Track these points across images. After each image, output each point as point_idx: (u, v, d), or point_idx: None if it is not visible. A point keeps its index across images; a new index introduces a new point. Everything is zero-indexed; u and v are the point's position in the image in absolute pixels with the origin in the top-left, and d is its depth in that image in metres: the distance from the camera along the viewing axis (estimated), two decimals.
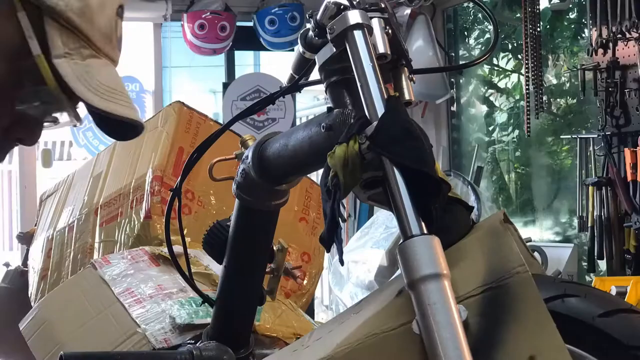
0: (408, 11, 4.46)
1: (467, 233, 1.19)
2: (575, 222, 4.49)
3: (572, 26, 5.38)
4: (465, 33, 5.96)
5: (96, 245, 2.55)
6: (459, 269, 1.13)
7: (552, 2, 4.63)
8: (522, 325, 1.07)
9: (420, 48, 4.56)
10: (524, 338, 1.07)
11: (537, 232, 5.35)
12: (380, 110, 1.18)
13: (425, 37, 4.58)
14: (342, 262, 1.21)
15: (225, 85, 5.35)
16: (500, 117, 5.93)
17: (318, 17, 1.31)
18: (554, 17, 5.35)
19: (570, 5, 5.15)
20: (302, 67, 1.44)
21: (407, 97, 1.27)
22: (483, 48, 5.78)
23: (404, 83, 1.28)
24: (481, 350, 1.07)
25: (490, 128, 5.92)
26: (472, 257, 1.13)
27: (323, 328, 1.28)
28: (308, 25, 1.35)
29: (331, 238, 1.20)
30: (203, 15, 5.14)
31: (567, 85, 5.51)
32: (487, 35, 5.74)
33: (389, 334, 1.11)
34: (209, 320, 1.69)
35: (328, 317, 4.96)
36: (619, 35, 3.97)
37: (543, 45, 4.60)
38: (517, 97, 5.68)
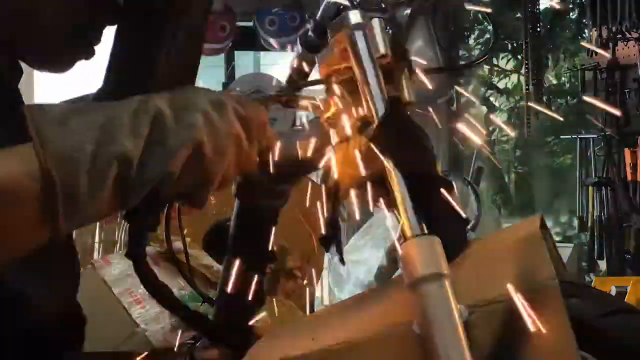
0: (408, 11, 4.45)
1: (463, 249, 1.18)
2: (575, 222, 4.50)
3: (572, 26, 5.38)
4: (465, 33, 5.96)
5: (96, 245, 2.55)
6: (489, 272, 1.12)
7: (552, 3, 4.63)
8: (543, 338, 1.07)
9: (420, 48, 4.56)
10: (543, 351, 1.07)
11: None
12: (380, 110, 1.18)
13: (425, 37, 4.58)
14: (342, 262, 1.21)
15: (225, 86, 5.35)
16: (500, 117, 5.93)
17: (318, 17, 1.31)
18: (556, 18, 5.35)
19: (571, 5, 5.14)
20: (302, 68, 1.43)
21: (407, 97, 1.27)
22: (483, 48, 5.78)
23: (404, 83, 1.28)
24: (499, 356, 1.07)
25: (490, 128, 5.92)
26: (502, 262, 1.13)
27: (340, 309, 1.27)
28: (308, 26, 1.35)
29: (331, 238, 1.20)
30: None
31: (567, 85, 5.52)
32: (487, 35, 5.74)
33: (390, 333, 1.11)
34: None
35: None
36: (619, 35, 3.97)
37: (543, 45, 4.61)
38: (517, 97, 5.68)
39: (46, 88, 5.34)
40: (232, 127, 1.02)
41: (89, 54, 1.23)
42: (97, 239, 2.56)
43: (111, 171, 0.93)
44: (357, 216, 1.18)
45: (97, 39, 1.23)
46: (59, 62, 1.22)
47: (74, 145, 0.91)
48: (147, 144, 0.95)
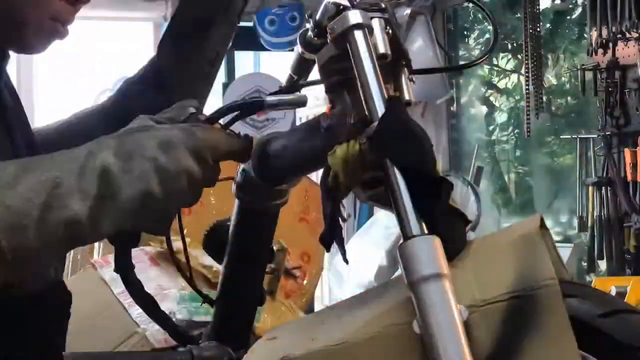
0: (408, 11, 4.46)
1: (462, 249, 1.18)
2: (575, 222, 4.50)
3: (576, 29, 5.38)
4: (465, 33, 5.96)
5: (96, 245, 2.55)
6: (488, 272, 1.12)
7: (554, 2, 4.63)
8: (543, 338, 1.07)
9: (420, 48, 4.56)
10: (543, 352, 1.07)
11: None
12: (380, 110, 1.18)
13: (425, 37, 4.58)
14: (346, 261, 1.21)
15: (225, 85, 5.35)
16: (500, 117, 5.94)
17: (318, 17, 1.31)
18: (556, 18, 5.36)
19: (571, 6, 5.15)
20: (301, 68, 1.43)
21: (407, 97, 1.27)
22: (483, 48, 5.78)
23: (404, 83, 1.28)
24: (499, 356, 1.07)
25: (490, 128, 5.92)
26: (502, 261, 1.13)
27: (340, 309, 1.27)
28: (307, 26, 1.35)
29: (331, 238, 1.20)
30: None
31: (567, 85, 5.52)
32: (487, 35, 5.74)
33: (389, 333, 1.11)
34: (209, 318, 1.69)
35: None
36: (619, 35, 3.97)
37: (543, 45, 4.61)
38: (517, 97, 5.68)
39: (46, 87, 5.34)
40: (181, 165, 1.03)
41: (63, 34, 1.25)
42: None
43: (61, 234, 0.96)
44: (356, 215, 1.19)
45: (71, 20, 1.25)
46: (35, 44, 1.24)
47: (19, 212, 0.94)
48: (96, 204, 0.98)
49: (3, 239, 0.93)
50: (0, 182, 0.95)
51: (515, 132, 5.72)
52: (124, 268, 1.23)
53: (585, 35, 4.49)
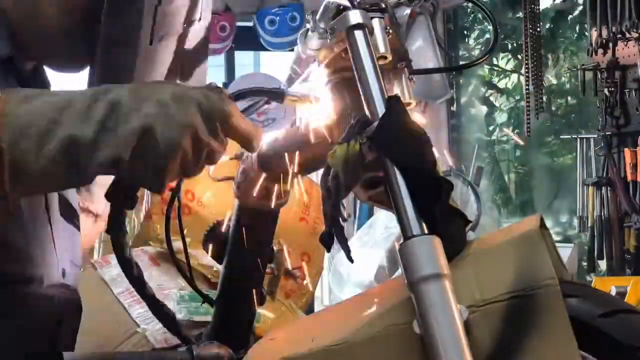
0: (408, 11, 4.45)
1: (462, 249, 1.18)
2: (575, 222, 4.50)
3: (577, 27, 5.38)
4: (465, 33, 5.96)
5: (96, 245, 2.55)
6: (488, 272, 1.12)
7: (554, 2, 4.63)
8: (543, 338, 1.07)
9: (420, 48, 4.56)
10: (543, 351, 1.07)
11: None
12: (380, 110, 1.18)
13: (425, 37, 4.57)
14: (351, 260, 1.21)
15: (225, 85, 5.35)
16: (500, 117, 5.94)
17: (317, 17, 1.31)
18: (557, 18, 5.36)
19: (571, 6, 5.15)
20: (301, 68, 1.43)
21: (407, 97, 1.27)
22: (483, 48, 5.78)
23: (404, 83, 1.28)
24: (499, 356, 1.07)
25: (490, 128, 5.92)
26: (503, 261, 1.13)
27: (341, 309, 1.27)
28: (308, 26, 1.35)
29: (331, 238, 1.20)
30: None
31: (567, 85, 5.52)
32: (487, 35, 5.74)
33: (389, 333, 1.11)
34: (209, 318, 1.69)
35: None
36: (619, 35, 3.97)
37: (543, 45, 4.61)
38: (517, 97, 5.68)
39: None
40: (188, 118, 1.04)
41: None
42: (96, 239, 2.56)
43: (58, 150, 0.99)
44: (356, 215, 1.19)
45: None
46: (74, 61, 1.26)
47: (26, 121, 0.98)
48: (99, 129, 1.00)
49: (4, 141, 0.97)
50: (19, 97, 1.00)
51: (515, 132, 5.72)
52: (117, 230, 1.24)
53: (586, 35, 4.49)
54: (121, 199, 1.19)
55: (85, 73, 1.25)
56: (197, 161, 1.06)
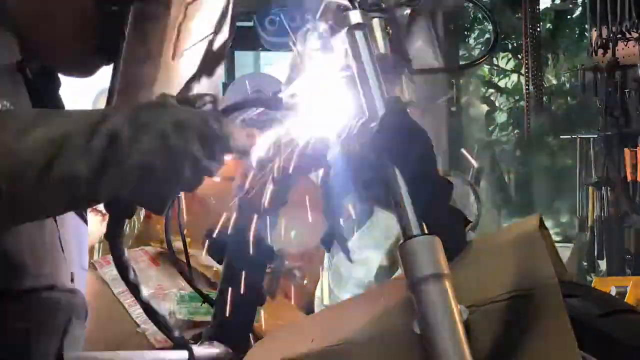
0: (408, 11, 4.46)
1: (462, 249, 1.18)
2: (575, 222, 4.50)
3: (576, 29, 5.38)
4: (465, 33, 5.96)
5: (96, 245, 2.55)
6: (488, 272, 1.12)
7: (554, 2, 4.63)
8: (543, 338, 1.07)
9: (420, 48, 4.56)
10: (543, 351, 1.07)
11: None
12: (380, 110, 1.18)
13: (425, 37, 4.58)
14: (350, 260, 1.21)
15: (225, 86, 5.34)
16: (500, 117, 5.94)
17: (317, 17, 1.31)
18: (556, 18, 5.36)
19: (571, 6, 5.15)
20: (301, 68, 1.43)
21: (407, 97, 1.27)
22: (483, 48, 5.78)
23: (404, 83, 1.28)
24: (498, 356, 1.07)
25: (490, 128, 5.92)
26: (502, 261, 1.13)
27: (340, 309, 1.27)
28: (308, 26, 1.35)
29: (331, 238, 1.20)
30: None
31: (567, 85, 5.52)
32: (487, 35, 5.74)
33: (390, 333, 1.11)
34: (208, 318, 1.69)
35: None
36: (619, 35, 3.97)
37: (543, 45, 4.61)
38: (517, 97, 5.68)
39: None
40: (189, 148, 1.04)
41: (111, 55, 1.25)
42: (97, 238, 2.56)
43: (59, 190, 0.98)
44: (356, 216, 1.19)
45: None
46: (84, 65, 1.27)
47: (25, 159, 0.97)
48: (98, 166, 1.00)
49: (3, 182, 0.96)
50: (17, 127, 0.98)
51: (515, 132, 5.72)
52: (115, 237, 1.24)
53: (586, 35, 4.49)
54: (120, 209, 1.18)
55: (95, 77, 1.26)
56: (197, 183, 1.09)
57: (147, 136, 1.01)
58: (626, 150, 4.05)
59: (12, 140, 0.97)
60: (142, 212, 2.37)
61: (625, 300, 3.03)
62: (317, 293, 3.36)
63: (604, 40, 4.05)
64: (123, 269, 1.31)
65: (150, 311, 1.40)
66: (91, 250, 2.57)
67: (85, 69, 1.26)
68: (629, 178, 4.03)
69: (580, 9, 5.17)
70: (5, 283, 1.12)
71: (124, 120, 1.01)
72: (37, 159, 0.97)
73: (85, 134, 1.00)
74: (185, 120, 1.05)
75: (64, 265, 1.22)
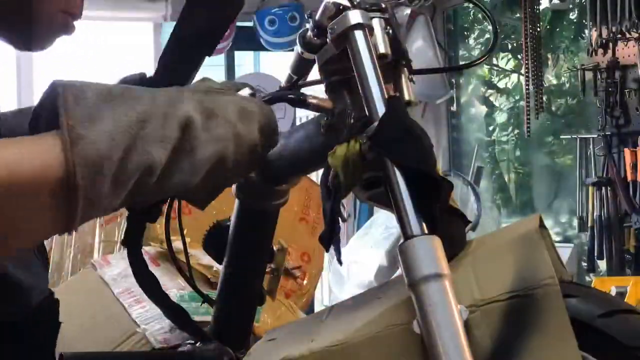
0: (408, 11, 4.46)
1: (462, 249, 1.18)
2: (575, 222, 4.50)
3: (576, 29, 5.38)
4: (465, 33, 5.96)
5: (96, 245, 2.55)
6: (488, 272, 1.12)
7: (552, 2, 4.63)
8: (543, 338, 1.07)
9: (420, 48, 4.56)
10: (543, 351, 1.07)
11: None
12: (381, 110, 1.18)
13: (425, 37, 4.58)
14: (340, 262, 1.21)
15: None
16: (500, 117, 5.94)
17: (317, 17, 1.31)
18: (554, 17, 5.36)
19: (571, 6, 5.15)
20: (301, 68, 1.43)
21: (407, 97, 1.27)
22: (483, 48, 5.78)
23: (404, 83, 1.28)
24: (498, 356, 1.07)
25: (490, 128, 5.92)
26: (502, 261, 1.13)
27: (340, 309, 1.27)
28: (307, 26, 1.35)
29: (331, 238, 1.20)
30: None
31: (567, 85, 5.52)
32: (487, 35, 5.74)
33: (389, 333, 1.11)
34: (209, 318, 1.70)
35: None
36: (619, 35, 3.97)
37: (543, 45, 4.61)
38: (517, 97, 5.68)
39: (46, 87, 5.33)
40: (255, 137, 1.02)
41: (72, 29, 1.23)
42: (97, 239, 2.56)
43: (134, 179, 0.91)
44: (356, 215, 1.19)
45: (79, 13, 1.24)
46: (44, 39, 1.23)
47: (101, 152, 0.88)
48: (174, 152, 0.93)
49: (80, 177, 0.86)
50: (84, 114, 0.89)
51: (515, 132, 5.72)
52: (136, 244, 1.20)
53: (585, 35, 4.49)
54: (144, 211, 1.15)
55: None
56: (249, 173, 1.08)
57: (217, 123, 0.97)
58: (626, 150, 4.05)
59: (83, 129, 0.87)
60: None
61: (625, 300, 3.04)
62: (317, 293, 3.36)
63: (604, 40, 4.05)
64: (145, 279, 1.27)
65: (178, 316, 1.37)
66: (91, 250, 2.57)
67: (47, 42, 1.22)
68: (629, 178, 4.03)
69: (579, 8, 5.17)
70: None
71: (193, 106, 0.96)
72: (114, 149, 0.88)
73: (158, 120, 0.92)
74: (249, 108, 1.02)
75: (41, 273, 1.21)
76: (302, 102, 1.26)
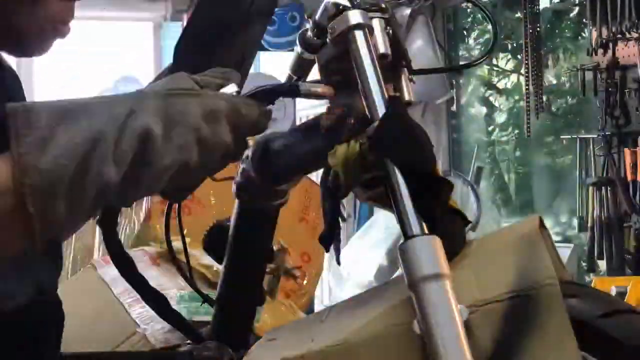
0: (408, 11, 4.46)
1: (462, 249, 1.18)
2: (575, 222, 4.49)
3: (576, 29, 5.38)
4: (465, 33, 5.96)
5: (96, 245, 2.55)
6: (487, 272, 1.12)
7: (552, 2, 4.63)
8: (543, 338, 1.07)
9: (420, 48, 4.56)
10: (543, 351, 1.07)
11: None
12: (381, 110, 1.18)
13: (425, 37, 4.58)
14: (338, 262, 1.21)
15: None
16: (500, 118, 5.94)
17: (317, 17, 1.31)
18: (554, 17, 5.36)
19: (571, 6, 5.15)
20: (301, 68, 1.43)
21: (407, 97, 1.27)
22: (483, 48, 5.78)
23: (404, 83, 1.28)
24: (498, 356, 1.07)
25: (490, 128, 5.92)
26: (502, 261, 1.13)
27: (340, 309, 1.27)
28: (307, 26, 1.35)
29: (331, 238, 1.20)
30: None
31: (567, 85, 5.51)
32: (487, 35, 5.74)
33: (390, 333, 1.12)
34: (208, 318, 1.70)
35: None
36: (619, 35, 3.97)
37: (543, 45, 4.60)
38: (517, 97, 5.68)
39: (46, 87, 5.34)
40: (222, 140, 1.01)
41: (65, 32, 1.23)
42: (97, 239, 2.56)
43: (90, 197, 0.91)
44: (356, 215, 1.19)
45: (70, 17, 1.23)
46: (37, 48, 1.23)
47: (52, 179, 0.88)
48: (132, 167, 0.93)
49: (32, 206, 0.87)
50: (36, 136, 0.88)
51: (515, 132, 5.72)
52: (111, 226, 1.22)
53: (585, 35, 4.49)
54: (114, 219, 1.16)
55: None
56: (222, 169, 1.06)
57: (179, 132, 0.95)
58: (626, 150, 4.05)
59: (35, 156, 0.87)
60: (142, 213, 2.37)
61: (625, 300, 3.03)
62: (317, 293, 3.36)
63: (604, 40, 4.05)
64: (132, 279, 1.29)
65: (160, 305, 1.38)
66: (91, 250, 2.57)
67: (41, 49, 1.22)
68: (629, 178, 4.02)
69: (579, 8, 5.17)
70: None
71: (151, 115, 0.94)
72: (64, 173, 0.88)
73: (113, 135, 0.91)
74: (216, 109, 1.00)
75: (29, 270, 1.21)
76: (293, 91, 1.25)
